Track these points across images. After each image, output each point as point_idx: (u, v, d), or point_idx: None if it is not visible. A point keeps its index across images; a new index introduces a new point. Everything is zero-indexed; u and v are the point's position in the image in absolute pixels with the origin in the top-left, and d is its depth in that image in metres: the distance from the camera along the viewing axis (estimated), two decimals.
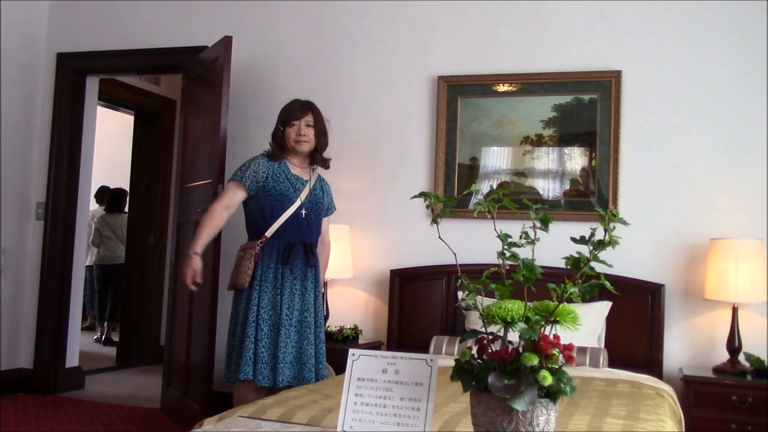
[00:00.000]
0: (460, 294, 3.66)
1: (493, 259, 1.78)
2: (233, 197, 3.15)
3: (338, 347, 3.70)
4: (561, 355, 1.62)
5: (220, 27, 4.46)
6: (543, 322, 1.65)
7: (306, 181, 3.23)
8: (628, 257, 3.55)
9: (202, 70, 4.29)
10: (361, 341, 3.99)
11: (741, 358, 3.40)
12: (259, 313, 3.06)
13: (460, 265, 1.92)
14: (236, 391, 3.13)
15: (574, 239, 1.69)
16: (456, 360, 1.60)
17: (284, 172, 3.18)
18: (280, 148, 3.22)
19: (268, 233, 3.11)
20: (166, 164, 6.17)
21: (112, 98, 5.86)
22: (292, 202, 3.15)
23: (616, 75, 3.82)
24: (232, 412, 2.31)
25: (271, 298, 3.08)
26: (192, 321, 4.07)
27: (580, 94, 3.89)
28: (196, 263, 3.06)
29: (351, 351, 1.81)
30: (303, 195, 3.18)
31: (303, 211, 3.17)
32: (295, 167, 3.23)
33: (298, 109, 3.23)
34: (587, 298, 1.67)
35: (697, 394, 3.30)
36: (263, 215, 3.13)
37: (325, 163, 3.33)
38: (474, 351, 1.61)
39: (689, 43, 3.77)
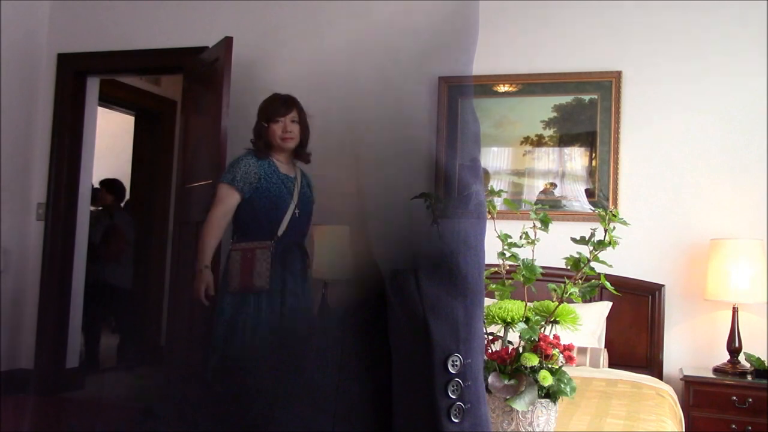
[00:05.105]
0: None
1: (494, 259, 1.79)
2: (229, 203, 3.12)
3: None
4: (561, 356, 1.62)
5: (220, 27, 4.46)
6: (543, 323, 1.66)
7: (293, 178, 3.22)
8: (628, 257, 3.55)
9: (202, 70, 4.29)
10: None
11: (741, 358, 3.40)
12: (258, 316, 3.05)
13: None
14: None
15: (574, 239, 1.69)
16: None
17: (275, 173, 3.16)
18: (267, 146, 3.20)
19: (280, 233, 3.10)
20: (167, 165, 6.17)
21: (113, 99, 5.86)
22: (287, 203, 3.13)
23: (616, 75, 3.82)
24: None
25: (270, 300, 3.07)
26: (192, 321, 4.07)
27: (580, 95, 3.89)
28: (207, 276, 3.05)
29: None
30: (295, 195, 3.17)
31: (296, 211, 3.16)
32: (283, 165, 3.22)
33: (282, 106, 3.21)
34: (587, 298, 1.67)
35: (697, 395, 3.30)
36: (264, 216, 3.11)
37: (308, 158, 3.33)
38: None
39: (689, 43, 3.77)
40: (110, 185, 5.97)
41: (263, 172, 3.13)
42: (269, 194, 3.10)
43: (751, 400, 3.21)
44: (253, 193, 3.11)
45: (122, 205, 6.14)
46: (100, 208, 5.80)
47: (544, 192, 3.93)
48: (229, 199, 3.11)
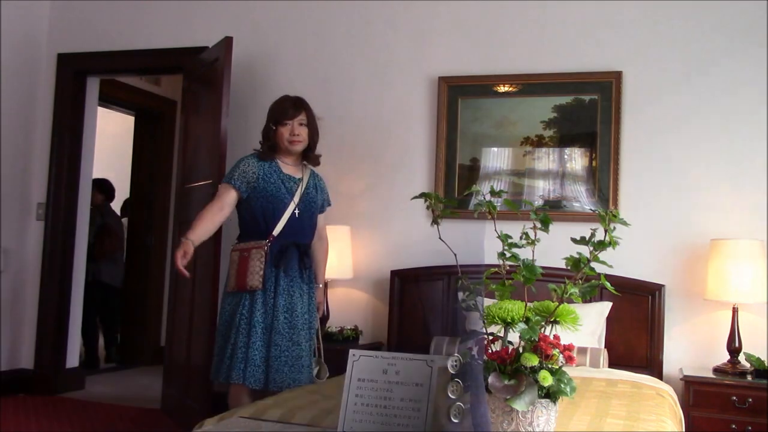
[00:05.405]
0: (460, 294, 3.66)
1: (494, 259, 1.79)
2: (226, 199, 3.10)
3: (338, 348, 3.70)
4: (561, 356, 1.62)
5: (220, 27, 4.47)
6: (543, 323, 1.66)
7: (299, 179, 3.20)
8: (628, 257, 3.54)
9: (202, 70, 4.29)
10: (361, 342, 3.99)
11: (741, 358, 3.40)
12: (252, 316, 3.04)
13: (461, 266, 1.92)
14: (231, 392, 3.12)
15: (574, 239, 1.69)
16: None
17: (276, 172, 3.14)
18: (272, 148, 3.18)
19: (275, 232, 3.09)
20: (167, 164, 6.17)
21: (113, 99, 5.86)
22: (285, 202, 3.12)
23: (616, 75, 3.82)
24: (233, 412, 2.31)
25: (264, 300, 3.06)
26: (192, 321, 4.07)
27: (580, 95, 3.89)
28: (187, 246, 2.97)
29: (351, 352, 1.81)
30: (296, 195, 3.16)
31: (296, 211, 3.15)
32: (288, 166, 3.20)
33: (290, 108, 3.19)
34: (587, 298, 1.67)
35: (697, 395, 3.30)
36: (261, 216, 3.11)
37: (317, 160, 3.31)
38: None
39: (689, 43, 3.77)
40: (100, 185, 5.97)
41: (262, 172, 3.12)
42: (266, 193, 3.10)
43: (751, 400, 3.21)
44: (251, 193, 3.11)
45: (111, 204, 6.16)
46: (90, 207, 5.80)
47: (548, 192, 3.92)
48: (225, 197, 3.11)
